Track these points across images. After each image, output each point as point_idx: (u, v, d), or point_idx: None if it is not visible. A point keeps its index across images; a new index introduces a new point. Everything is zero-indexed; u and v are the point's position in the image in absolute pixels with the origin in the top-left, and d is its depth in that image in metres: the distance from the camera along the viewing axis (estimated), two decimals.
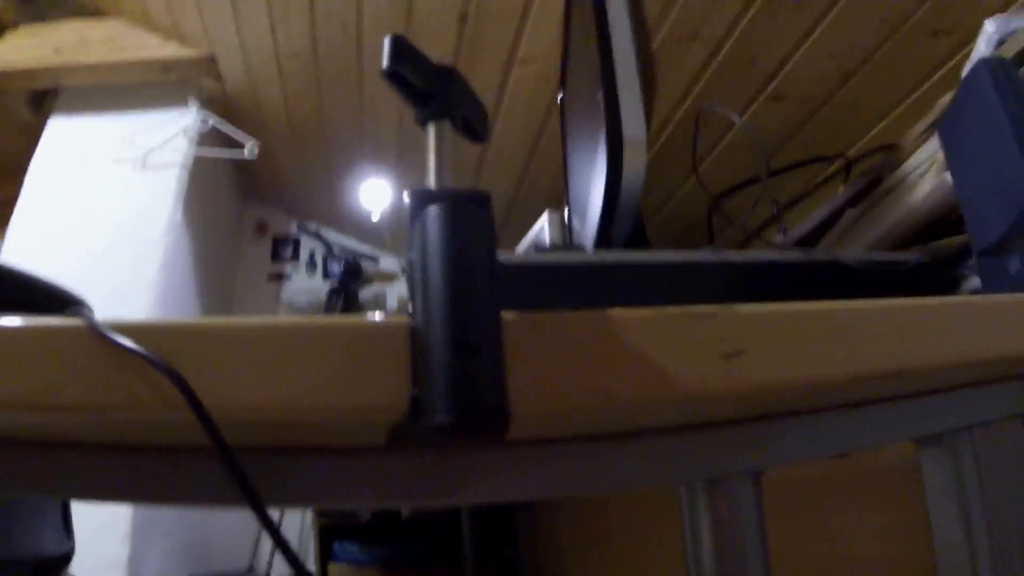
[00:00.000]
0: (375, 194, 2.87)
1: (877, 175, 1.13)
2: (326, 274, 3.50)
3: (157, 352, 0.23)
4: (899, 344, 0.36)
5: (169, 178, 2.58)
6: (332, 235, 3.53)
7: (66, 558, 1.51)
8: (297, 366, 0.24)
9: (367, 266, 3.53)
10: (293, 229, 3.54)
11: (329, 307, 3.30)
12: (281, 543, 0.25)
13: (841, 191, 1.27)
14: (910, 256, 0.79)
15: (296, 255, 3.52)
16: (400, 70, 0.28)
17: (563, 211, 1.35)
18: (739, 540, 0.41)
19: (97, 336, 0.25)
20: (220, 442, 0.21)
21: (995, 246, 0.60)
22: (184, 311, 2.74)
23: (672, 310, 0.28)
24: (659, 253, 0.74)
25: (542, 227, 1.44)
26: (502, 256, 0.61)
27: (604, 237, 0.80)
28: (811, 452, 0.43)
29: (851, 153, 1.28)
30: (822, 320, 0.33)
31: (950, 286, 0.83)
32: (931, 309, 0.41)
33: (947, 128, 0.66)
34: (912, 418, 0.48)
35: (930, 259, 0.79)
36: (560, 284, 0.69)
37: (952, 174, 0.66)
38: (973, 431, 0.50)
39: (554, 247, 0.79)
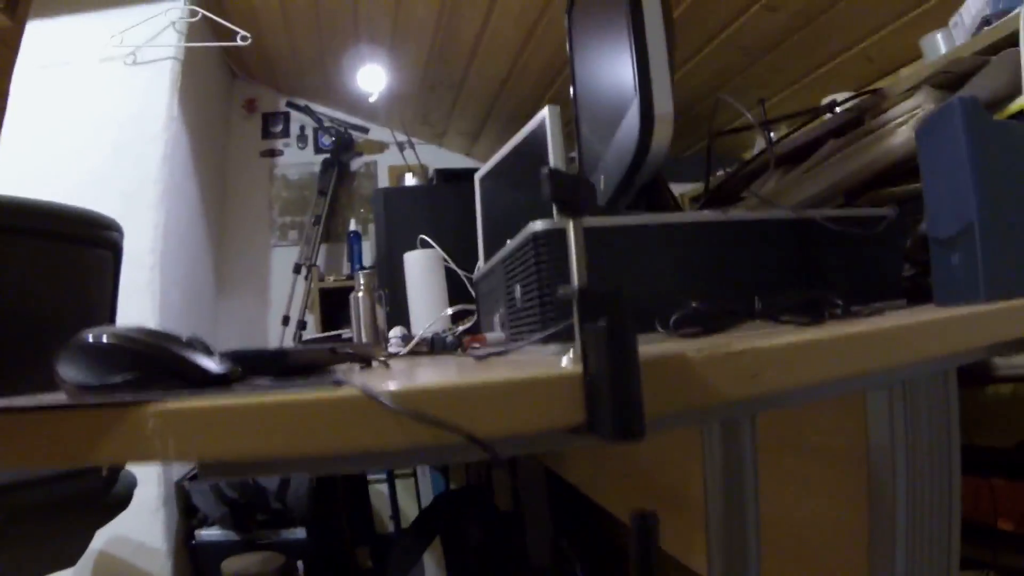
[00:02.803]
0: (371, 78, 2.92)
1: (860, 114, 1.28)
2: (318, 148, 3.58)
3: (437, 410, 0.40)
4: (865, 356, 0.55)
5: (162, 72, 2.58)
6: (321, 109, 3.58)
7: None
8: (522, 405, 0.42)
9: (357, 137, 3.61)
10: (282, 105, 3.59)
11: (323, 179, 3.40)
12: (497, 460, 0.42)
13: (827, 119, 1.42)
14: (881, 212, 0.95)
15: (286, 131, 3.58)
16: (558, 196, 0.43)
17: (567, 115, 1.45)
18: (740, 458, 0.61)
19: (376, 402, 0.41)
20: (493, 455, 0.38)
21: (945, 240, 0.78)
22: (185, 201, 2.81)
23: (721, 352, 0.47)
24: (668, 216, 0.86)
25: (543, 120, 1.56)
26: (551, 223, 0.75)
27: (624, 190, 0.94)
28: (793, 404, 0.62)
29: (841, 100, 1.40)
30: (810, 350, 0.53)
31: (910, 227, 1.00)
32: (891, 332, 0.60)
33: (924, 134, 0.82)
34: (866, 379, 0.68)
35: (897, 214, 0.96)
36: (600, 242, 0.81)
37: (922, 169, 0.82)
38: (905, 384, 0.70)
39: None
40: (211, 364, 0.57)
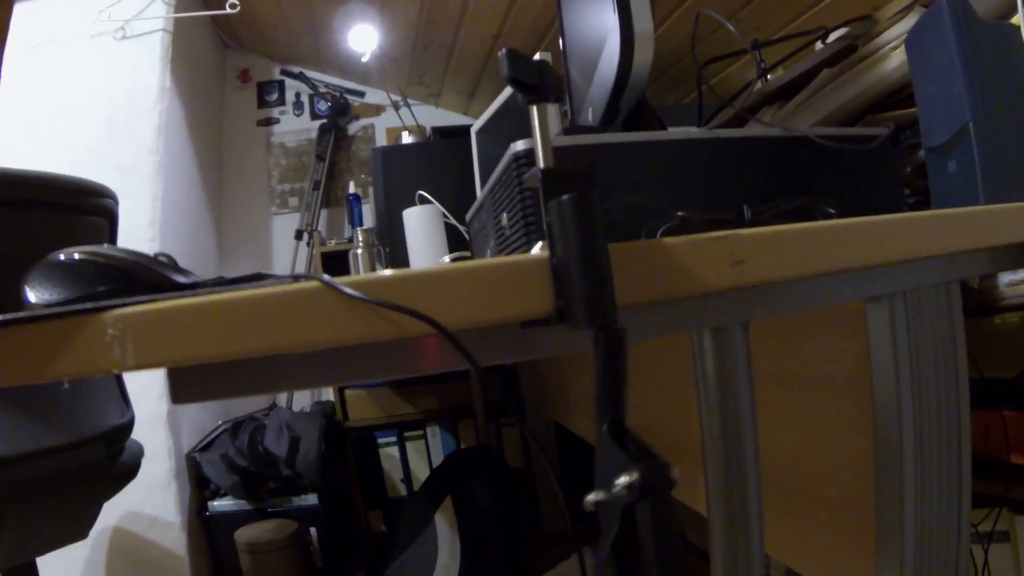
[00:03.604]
0: (363, 37, 2.89)
1: (853, 42, 1.24)
2: (314, 114, 3.55)
3: (398, 299, 0.39)
4: (861, 249, 0.52)
5: (153, 44, 2.57)
6: (316, 75, 3.55)
7: (129, 426, 1.70)
8: (488, 292, 0.39)
9: (354, 101, 3.58)
10: (276, 73, 3.56)
11: (320, 144, 3.39)
12: (475, 364, 0.40)
13: (820, 49, 1.38)
14: (876, 130, 0.93)
15: (282, 99, 3.55)
16: (515, 75, 0.41)
17: (555, 58, 1.44)
18: (732, 368, 0.59)
19: (335, 292, 0.39)
20: (459, 345, 0.37)
21: (940, 147, 0.75)
22: (183, 173, 2.81)
23: (701, 236, 0.44)
24: (657, 133, 0.86)
25: None
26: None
27: (611, 115, 0.92)
28: (786, 308, 0.60)
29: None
30: (802, 237, 0.50)
31: (909, 153, 0.98)
32: (884, 224, 0.57)
33: (913, 41, 0.79)
34: (863, 283, 0.65)
35: (893, 132, 0.93)
36: (585, 159, 0.80)
37: (913, 79, 0.79)
38: (906, 294, 0.68)
39: (579, 128, 0.91)
40: (180, 277, 0.56)
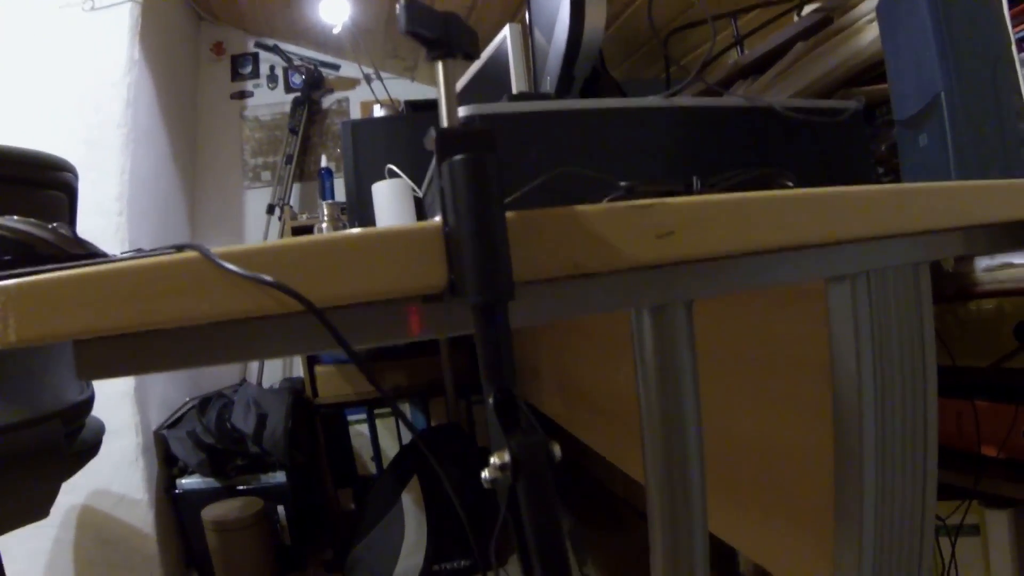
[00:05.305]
0: (335, 8, 2.83)
1: (828, 14, 1.20)
2: (288, 87, 3.49)
3: (262, 272, 0.34)
4: (816, 224, 0.48)
5: (122, 16, 2.52)
6: (291, 48, 3.48)
7: (89, 402, 1.65)
8: (373, 265, 0.35)
9: (329, 74, 3.52)
10: (251, 46, 3.48)
11: (294, 117, 3.34)
12: (346, 347, 0.37)
13: (795, 22, 1.34)
14: (846, 104, 0.88)
15: (256, 72, 3.48)
16: (415, 29, 0.36)
17: (525, 29, 1.40)
18: (675, 353, 0.54)
19: (213, 264, 0.35)
20: (327, 322, 0.32)
21: (911, 120, 0.71)
22: (153, 146, 2.76)
23: (621, 204, 0.40)
24: (613, 100, 0.81)
25: (504, 38, 1.49)
26: (479, 108, 0.69)
27: (566, 82, 0.88)
28: (734, 287, 0.55)
29: None
30: (741, 207, 0.45)
31: (884, 130, 0.93)
32: (842, 197, 0.53)
33: (884, 10, 0.74)
34: (822, 262, 0.61)
35: (865, 107, 0.89)
36: (532, 128, 0.76)
37: (884, 47, 0.74)
38: (869, 274, 0.63)
39: (526, 95, 0.87)
40: (78, 250, 0.52)
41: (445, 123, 0.37)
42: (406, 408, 2.79)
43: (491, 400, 0.35)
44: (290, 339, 0.41)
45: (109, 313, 0.39)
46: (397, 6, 0.36)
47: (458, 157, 0.32)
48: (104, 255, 0.56)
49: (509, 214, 0.36)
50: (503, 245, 0.33)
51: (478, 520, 2.13)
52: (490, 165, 0.33)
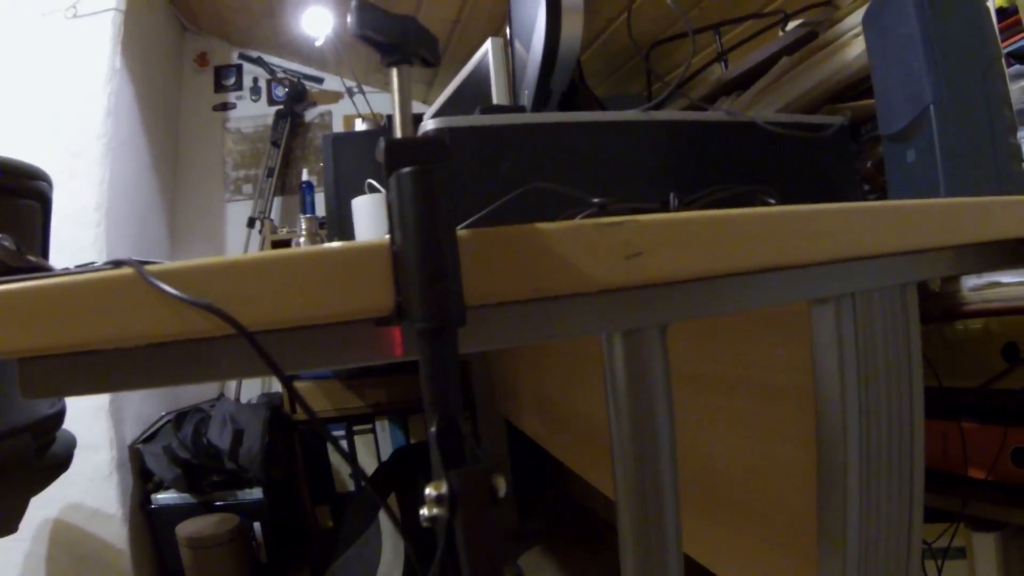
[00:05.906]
0: (317, 20, 2.81)
1: (813, 29, 1.18)
2: (271, 100, 3.46)
3: (198, 291, 0.32)
4: (798, 244, 0.45)
5: (104, 24, 2.49)
6: (275, 60, 3.46)
7: (60, 415, 1.61)
8: (305, 284, 0.32)
9: (312, 87, 3.50)
10: (235, 57, 3.45)
11: (276, 130, 3.31)
12: (278, 372, 0.34)
13: (780, 36, 1.32)
14: (831, 119, 0.86)
15: (239, 84, 3.45)
16: (366, 33, 0.34)
17: (506, 42, 1.38)
18: (648, 379, 0.52)
19: (146, 282, 0.33)
20: (257, 345, 0.30)
21: (899, 134, 0.68)
22: (133, 157, 2.73)
23: (586, 222, 0.37)
24: (588, 113, 0.78)
25: (486, 53, 1.47)
26: (448, 120, 0.67)
27: (543, 96, 0.85)
28: (711, 310, 0.53)
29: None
30: (716, 226, 0.42)
31: (871, 146, 0.91)
32: (825, 216, 0.50)
33: (870, 19, 0.72)
34: (804, 284, 0.58)
35: (851, 122, 0.87)
36: (503, 142, 0.73)
37: (870, 59, 0.72)
38: (855, 296, 0.61)
39: (498, 108, 0.84)
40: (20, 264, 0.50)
41: (399, 133, 0.34)
42: (385, 426, 2.75)
43: (433, 429, 0.32)
44: (232, 362, 0.39)
45: (47, 331, 0.37)
46: (350, 6, 0.33)
47: (405, 170, 0.30)
48: (50, 269, 0.53)
49: (461, 232, 0.33)
50: (453, 265, 0.31)
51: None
52: (439, 176, 0.30)
